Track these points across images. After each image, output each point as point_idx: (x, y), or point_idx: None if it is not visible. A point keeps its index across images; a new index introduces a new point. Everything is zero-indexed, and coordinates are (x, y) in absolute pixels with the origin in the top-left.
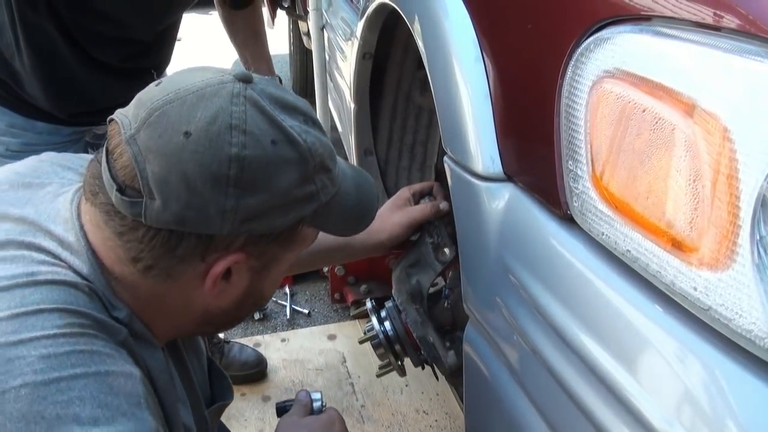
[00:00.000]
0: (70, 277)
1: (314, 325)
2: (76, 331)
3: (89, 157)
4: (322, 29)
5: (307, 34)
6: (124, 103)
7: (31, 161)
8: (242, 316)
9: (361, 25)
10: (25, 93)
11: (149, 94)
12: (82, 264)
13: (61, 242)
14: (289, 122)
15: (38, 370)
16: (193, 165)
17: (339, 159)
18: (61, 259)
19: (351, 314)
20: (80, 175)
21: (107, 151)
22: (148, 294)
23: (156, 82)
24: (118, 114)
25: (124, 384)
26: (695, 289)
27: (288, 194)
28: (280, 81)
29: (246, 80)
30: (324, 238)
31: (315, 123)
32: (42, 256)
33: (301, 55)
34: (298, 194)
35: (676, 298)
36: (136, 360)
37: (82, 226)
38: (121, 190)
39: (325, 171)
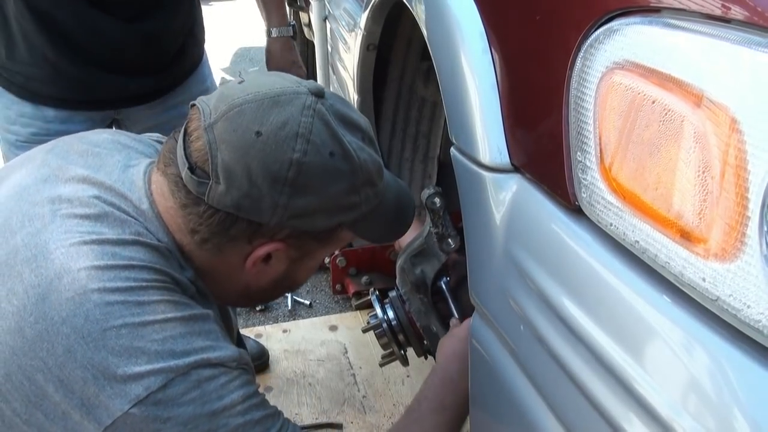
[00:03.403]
0: (151, 239)
1: (315, 316)
2: (161, 285)
3: (139, 136)
4: (324, 20)
5: (309, 25)
6: (128, 92)
7: (90, 134)
8: (276, 296)
9: (365, 16)
10: (21, 67)
11: (231, 90)
12: (156, 230)
13: (136, 208)
14: (349, 138)
15: (135, 314)
16: (258, 162)
17: (386, 172)
18: (140, 222)
19: (354, 305)
20: (140, 153)
21: (185, 131)
22: (201, 264)
23: (239, 80)
24: (200, 101)
25: (203, 323)
26: (704, 279)
27: (334, 201)
28: (294, 31)
29: (318, 95)
30: None
31: (371, 141)
32: (124, 216)
33: (302, 46)
34: (343, 202)
35: (684, 289)
36: None
37: (151, 194)
38: (191, 169)
39: (371, 185)
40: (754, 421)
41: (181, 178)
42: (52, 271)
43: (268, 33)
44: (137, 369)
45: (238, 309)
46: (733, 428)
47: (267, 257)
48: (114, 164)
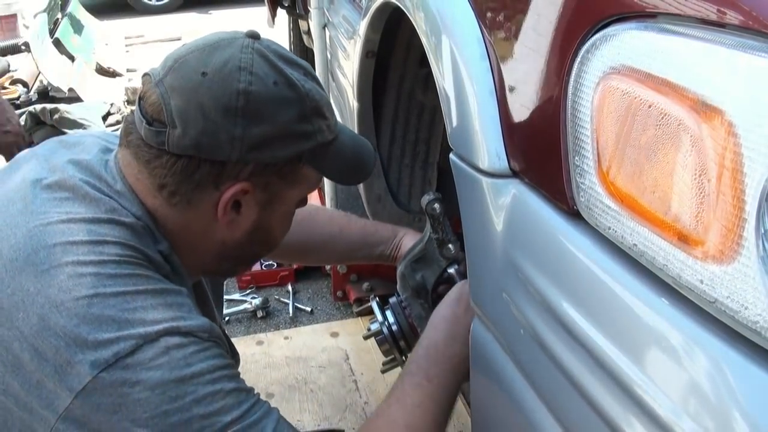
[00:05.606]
0: (126, 215)
1: (317, 323)
2: (134, 261)
3: None
4: (323, 28)
5: (308, 32)
6: None
7: (75, 135)
8: (255, 252)
9: (364, 23)
10: None
11: (175, 51)
12: (130, 204)
13: (110, 187)
14: (290, 71)
15: (107, 285)
16: (208, 97)
17: (339, 120)
18: (114, 200)
19: (355, 311)
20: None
21: (140, 98)
22: (174, 227)
23: (182, 44)
24: (150, 69)
25: (175, 297)
26: (701, 281)
27: (287, 128)
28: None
29: (255, 37)
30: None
31: (314, 78)
32: (99, 195)
33: (302, 53)
34: (297, 130)
35: (682, 291)
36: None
37: (121, 171)
38: (149, 123)
39: (321, 116)
40: (753, 422)
41: (142, 139)
42: (29, 247)
43: None
44: (107, 336)
45: (240, 316)
46: (733, 429)
47: (237, 204)
48: (93, 146)
